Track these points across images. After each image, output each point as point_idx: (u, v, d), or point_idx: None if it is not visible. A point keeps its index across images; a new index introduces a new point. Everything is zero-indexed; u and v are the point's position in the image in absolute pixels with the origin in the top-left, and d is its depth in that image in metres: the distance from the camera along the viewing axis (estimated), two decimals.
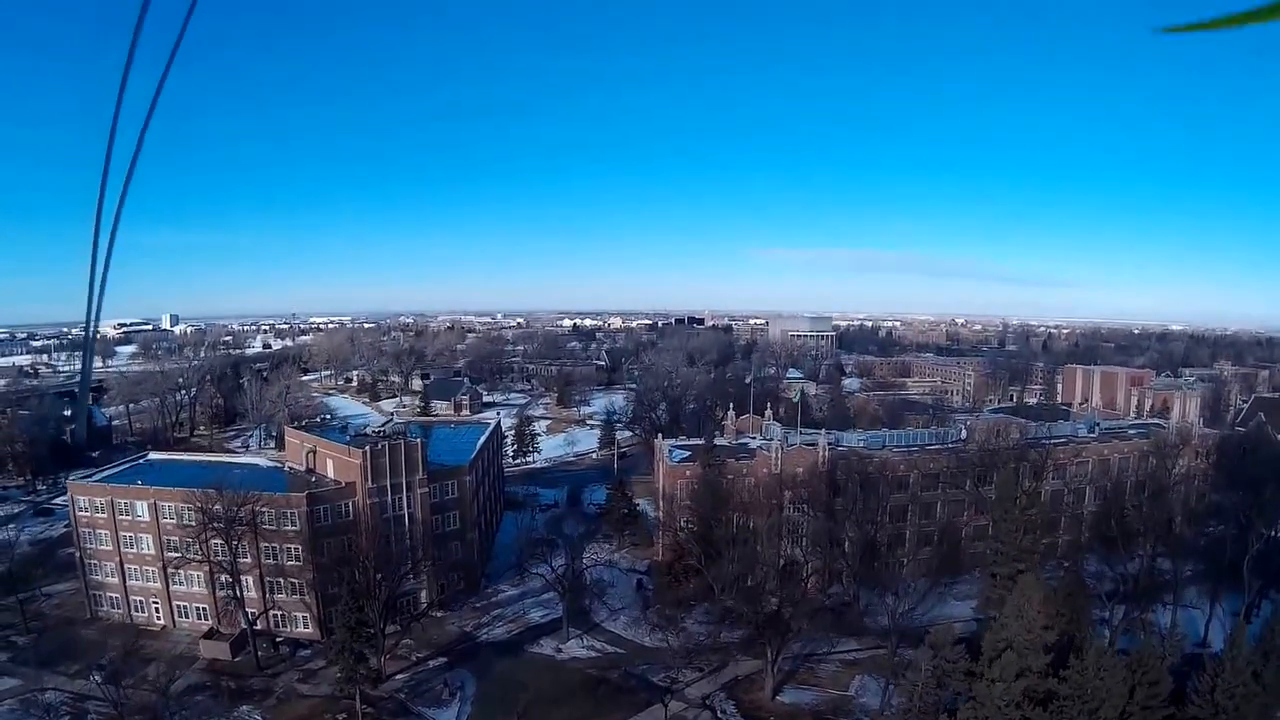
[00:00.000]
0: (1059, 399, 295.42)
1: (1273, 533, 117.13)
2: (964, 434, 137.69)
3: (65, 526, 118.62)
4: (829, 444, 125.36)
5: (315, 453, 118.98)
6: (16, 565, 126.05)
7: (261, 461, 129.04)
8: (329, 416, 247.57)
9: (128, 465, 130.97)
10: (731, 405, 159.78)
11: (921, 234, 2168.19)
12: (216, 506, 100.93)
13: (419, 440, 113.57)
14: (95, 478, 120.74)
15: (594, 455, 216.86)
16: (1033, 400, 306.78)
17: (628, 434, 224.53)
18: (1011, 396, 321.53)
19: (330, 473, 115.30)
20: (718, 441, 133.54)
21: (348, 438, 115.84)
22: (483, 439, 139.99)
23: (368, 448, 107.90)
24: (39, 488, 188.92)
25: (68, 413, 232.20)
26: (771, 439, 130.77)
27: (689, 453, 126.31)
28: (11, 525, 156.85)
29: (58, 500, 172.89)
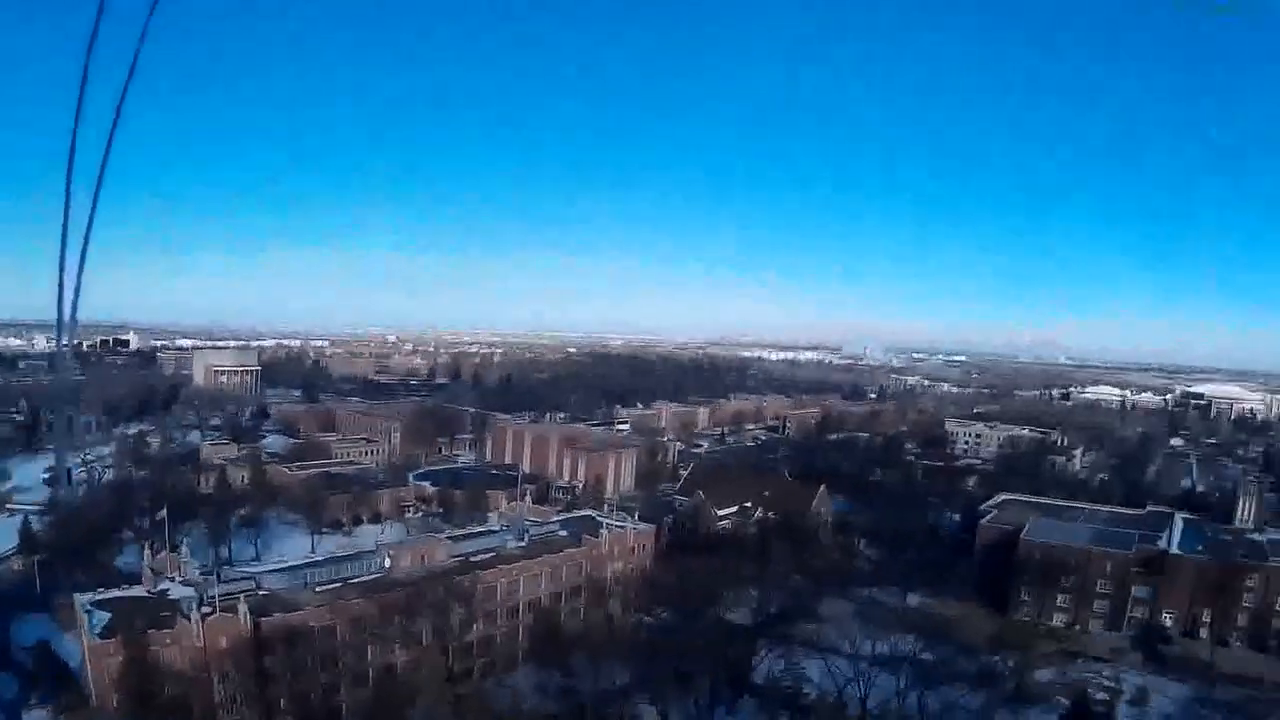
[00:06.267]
0: (489, 456, 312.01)
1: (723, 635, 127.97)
2: (386, 563, 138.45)
3: None
4: (249, 592, 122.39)
5: None
6: None
7: None
8: None
9: None
10: (146, 544, 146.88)
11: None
12: None
13: None
14: None
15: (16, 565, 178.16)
16: (461, 456, 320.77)
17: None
18: (440, 450, 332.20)
19: None
20: (132, 592, 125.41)
21: None
22: None
23: None
24: None
25: None
26: (191, 587, 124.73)
27: (110, 614, 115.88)
28: None
29: None
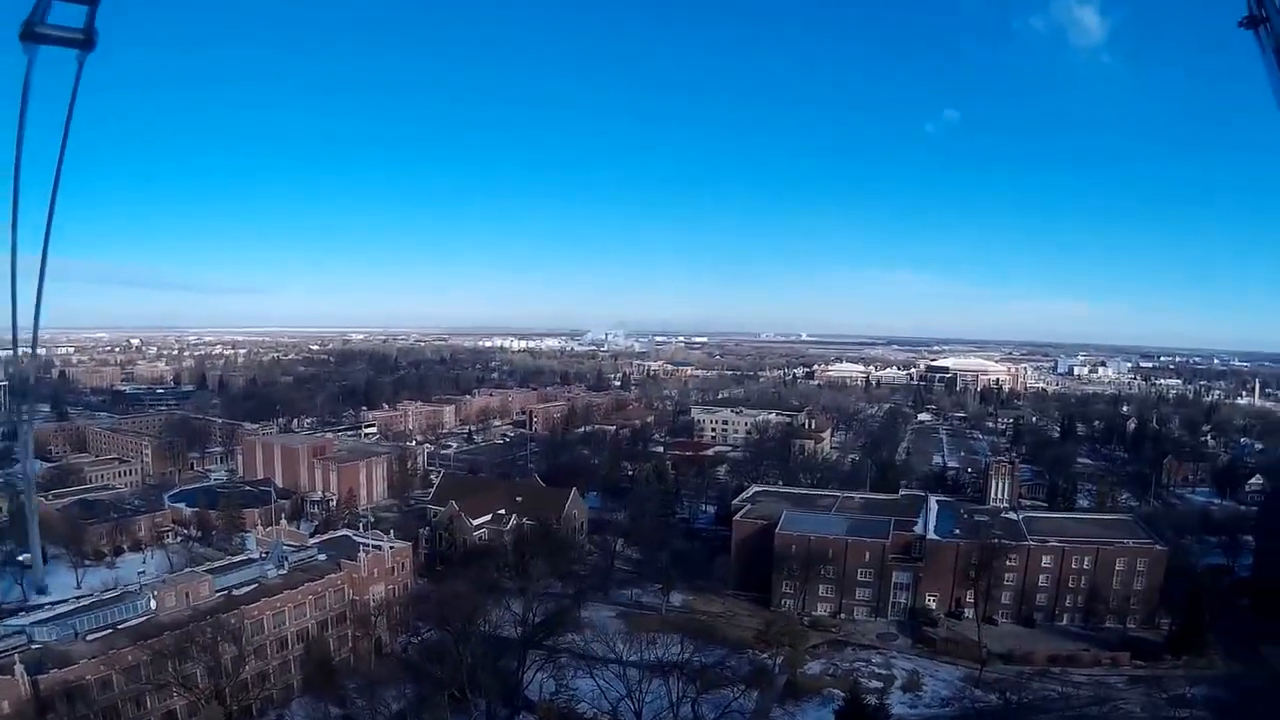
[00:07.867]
0: (241, 470, 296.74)
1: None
2: (153, 604, 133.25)
3: None
4: (21, 648, 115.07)
5: None
6: None
7: None
8: None
9: None
10: None
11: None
12: None
13: None
14: None
15: None
16: (214, 471, 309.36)
17: None
18: (193, 465, 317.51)
19: None
20: None
21: None
22: None
23: None
24: None
25: None
26: None
27: None
28: None
29: None
